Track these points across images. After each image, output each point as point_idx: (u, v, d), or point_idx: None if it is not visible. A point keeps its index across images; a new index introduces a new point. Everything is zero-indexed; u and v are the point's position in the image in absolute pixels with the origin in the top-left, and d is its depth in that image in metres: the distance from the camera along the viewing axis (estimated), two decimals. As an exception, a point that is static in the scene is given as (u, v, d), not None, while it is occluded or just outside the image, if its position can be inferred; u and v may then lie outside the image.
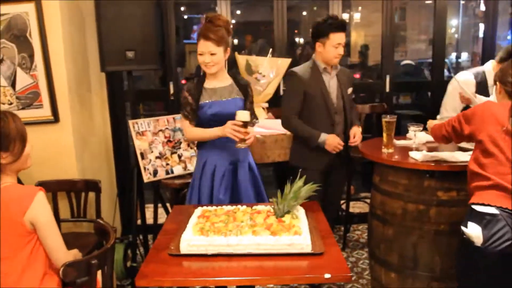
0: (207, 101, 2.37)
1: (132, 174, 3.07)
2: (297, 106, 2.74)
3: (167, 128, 3.09)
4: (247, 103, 2.46)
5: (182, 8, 6.74)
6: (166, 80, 3.78)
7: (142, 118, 3.07)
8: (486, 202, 1.84)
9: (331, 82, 2.79)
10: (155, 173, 3.01)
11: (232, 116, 2.28)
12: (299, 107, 2.75)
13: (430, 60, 4.22)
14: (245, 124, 2.22)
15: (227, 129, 2.23)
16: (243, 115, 2.22)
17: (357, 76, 5.63)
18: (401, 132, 3.28)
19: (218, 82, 2.42)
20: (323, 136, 2.68)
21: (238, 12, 6.60)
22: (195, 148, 3.10)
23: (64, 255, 1.79)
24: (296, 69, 2.79)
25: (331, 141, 2.67)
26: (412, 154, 2.40)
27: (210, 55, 2.31)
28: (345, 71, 2.92)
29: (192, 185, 2.51)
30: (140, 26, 2.87)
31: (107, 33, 2.83)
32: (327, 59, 2.72)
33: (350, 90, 2.88)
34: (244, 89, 2.47)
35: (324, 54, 2.71)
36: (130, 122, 3.00)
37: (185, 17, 7.12)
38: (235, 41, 5.27)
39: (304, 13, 7.11)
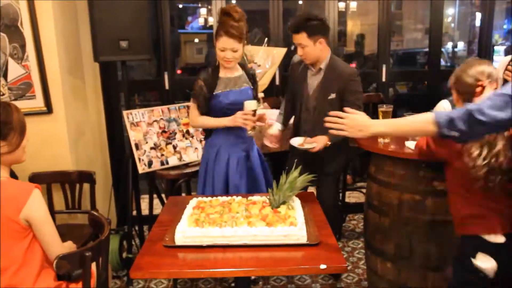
0: (224, 91, 2.42)
1: (127, 165, 3.05)
2: (288, 90, 2.96)
3: (162, 119, 3.06)
4: (254, 91, 2.55)
5: (177, -3, 6.67)
6: (161, 70, 3.74)
7: (137, 109, 3.04)
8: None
9: (312, 79, 2.78)
10: (150, 164, 2.99)
11: (241, 107, 2.38)
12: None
13: (426, 49, 4.19)
14: (253, 113, 2.33)
15: (239, 119, 2.32)
16: (251, 105, 2.33)
17: (353, 65, 5.61)
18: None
19: (232, 72, 2.47)
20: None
21: (234, 1, 6.54)
22: (191, 138, 3.09)
23: (59, 249, 1.78)
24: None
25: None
26: (408, 144, 2.39)
27: (232, 52, 2.34)
28: (339, 74, 2.69)
29: (203, 174, 2.53)
30: (134, 15, 2.82)
31: (100, 22, 2.78)
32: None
33: (332, 95, 2.69)
34: (252, 77, 2.55)
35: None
36: (125, 112, 2.97)
37: (180, 6, 7.05)
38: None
39: (300, 1, 7.04)
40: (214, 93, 2.41)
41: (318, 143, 2.61)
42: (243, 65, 2.56)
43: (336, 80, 2.68)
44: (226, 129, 2.44)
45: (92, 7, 2.77)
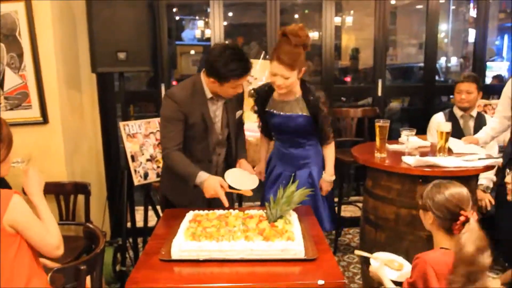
0: (270, 110, 2.43)
1: (122, 177, 3.03)
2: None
3: (158, 130, 3.05)
4: (319, 119, 2.34)
5: (174, 9, 6.71)
6: (156, 82, 3.75)
7: (133, 120, 3.04)
8: None
9: (217, 111, 2.32)
10: (145, 175, 2.98)
11: (291, 130, 2.38)
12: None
13: (421, 64, 4.23)
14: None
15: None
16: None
17: (348, 79, 5.65)
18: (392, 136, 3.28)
19: (285, 95, 2.37)
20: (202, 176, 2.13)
21: (230, 14, 6.59)
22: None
23: (51, 239, 1.73)
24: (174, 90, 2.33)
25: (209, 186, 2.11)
26: (405, 159, 2.40)
27: (283, 79, 2.22)
28: None
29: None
30: (132, 27, 2.84)
31: (98, 34, 2.80)
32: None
33: (239, 113, 2.41)
34: (312, 106, 2.34)
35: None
36: (121, 124, 2.96)
37: (177, 18, 7.10)
38: (227, 43, 5.27)
39: (296, 16, 7.12)
40: (265, 109, 2.46)
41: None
42: (307, 90, 2.34)
43: (236, 97, 2.38)
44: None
45: (91, 18, 2.78)
